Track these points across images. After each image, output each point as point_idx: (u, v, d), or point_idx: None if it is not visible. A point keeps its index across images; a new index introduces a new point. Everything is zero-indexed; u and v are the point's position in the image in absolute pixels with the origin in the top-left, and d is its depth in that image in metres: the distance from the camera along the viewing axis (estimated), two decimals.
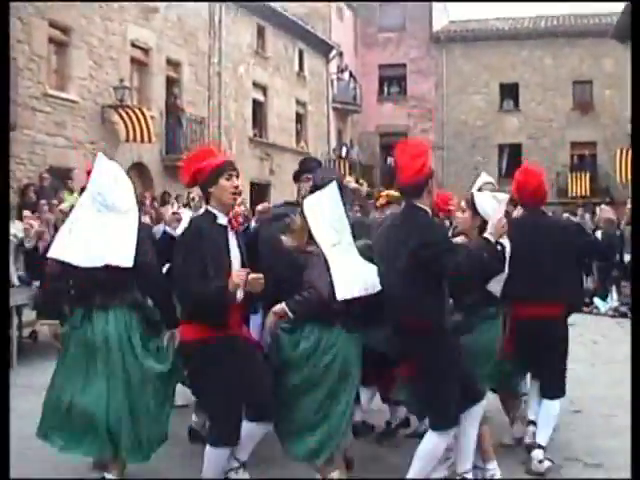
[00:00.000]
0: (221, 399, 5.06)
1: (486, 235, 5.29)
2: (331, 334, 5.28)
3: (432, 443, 5.28)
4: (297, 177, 6.79)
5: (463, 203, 6.04)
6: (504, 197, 5.90)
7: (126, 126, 20.89)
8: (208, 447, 5.19)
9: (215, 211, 5.22)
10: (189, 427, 6.87)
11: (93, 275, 5.50)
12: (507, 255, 5.67)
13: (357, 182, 6.49)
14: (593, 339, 13.39)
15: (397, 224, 5.49)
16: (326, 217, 5.41)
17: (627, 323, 15.28)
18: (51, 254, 5.67)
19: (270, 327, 5.36)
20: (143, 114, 21.08)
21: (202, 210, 5.37)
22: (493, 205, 5.74)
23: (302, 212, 5.47)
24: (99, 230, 5.56)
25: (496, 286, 5.95)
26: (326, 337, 5.27)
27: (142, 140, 21.19)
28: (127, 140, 21.17)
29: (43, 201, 14.68)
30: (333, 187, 5.54)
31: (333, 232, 5.39)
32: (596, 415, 8.02)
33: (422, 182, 5.33)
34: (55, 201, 15.74)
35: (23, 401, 8.40)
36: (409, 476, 5.27)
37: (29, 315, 12.05)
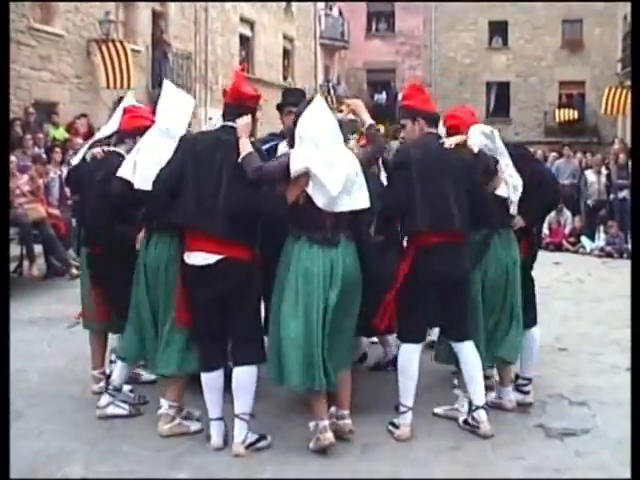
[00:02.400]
0: None
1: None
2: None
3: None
4: (280, 109, 6.76)
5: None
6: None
7: (106, 70, 20.60)
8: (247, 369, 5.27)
9: None
10: None
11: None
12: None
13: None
14: (579, 278, 13.49)
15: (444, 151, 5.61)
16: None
17: (613, 263, 15.44)
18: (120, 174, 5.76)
19: None
20: (125, 53, 20.79)
21: None
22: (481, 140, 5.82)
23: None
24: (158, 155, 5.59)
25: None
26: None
27: (122, 86, 20.94)
28: (107, 86, 20.87)
29: (28, 136, 14.54)
30: (319, 101, 5.47)
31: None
32: (581, 353, 8.10)
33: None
34: (41, 135, 15.62)
35: (11, 335, 8.45)
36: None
37: (14, 250, 12.05)
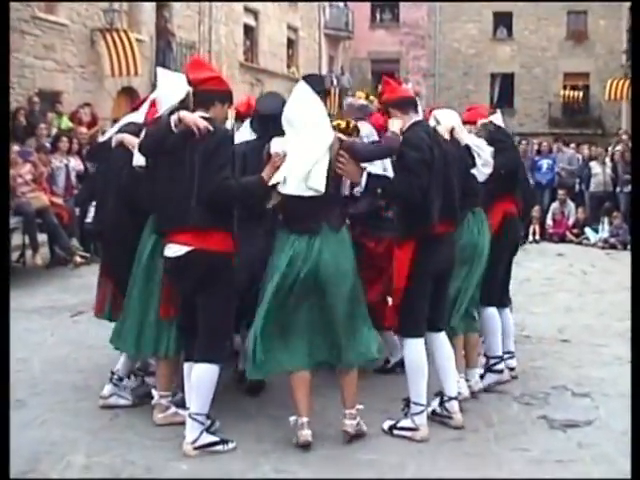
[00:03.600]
0: None
1: None
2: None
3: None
4: None
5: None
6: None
7: (111, 58, 20.66)
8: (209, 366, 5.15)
9: None
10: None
11: None
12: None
13: (367, 98, 6.29)
14: (583, 269, 13.47)
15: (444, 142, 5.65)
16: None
17: (617, 254, 15.43)
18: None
19: None
20: (130, 41, 20.81)
21: None
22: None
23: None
24: None
25: None
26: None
27: (127, 73, 20.97)
28: (112, 74, 20.95)
29: (43, 125, 14.51)
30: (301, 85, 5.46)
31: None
32: (584, 344, 8.10)
33: None
34: (43, 125, 15.61)
35: (14, 324, 8.47)
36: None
37: (17, 239, 12.06)
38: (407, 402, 5.54)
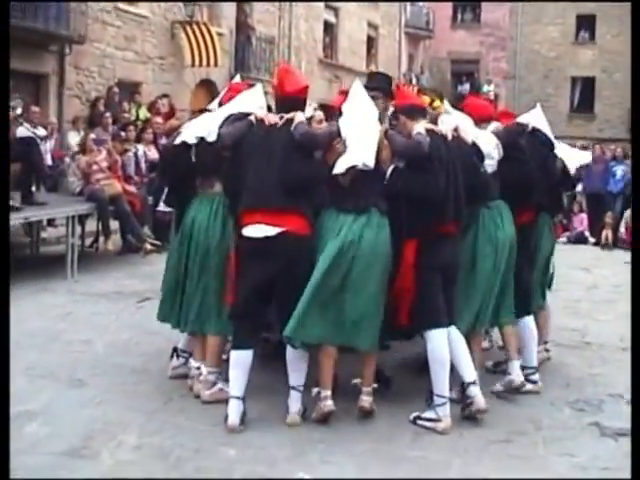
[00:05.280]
0: None
1: None
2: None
3: None
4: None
5: None
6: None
7: (192, 49, 20.95)
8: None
9: None
10: None
11: None
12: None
13: (431, 105, 6.35)
14: None
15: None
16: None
17: None
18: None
19: None
20: (210, 33, 21.07)
21: None
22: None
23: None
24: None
25: None
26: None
27: (208, 63, 21.25)
28: (192, 65, 21.28)
29: (107, 114, 14.80)
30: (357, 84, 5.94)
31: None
32: None
33: None
34: (125, 115, 15.97)
35: (78, 308, 8.72)
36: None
37: (91, 225, 12.33)
38: (430, 394, 5.64)
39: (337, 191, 5.48)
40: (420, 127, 5.60)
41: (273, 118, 5.53)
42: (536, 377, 6.53)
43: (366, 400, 5.58)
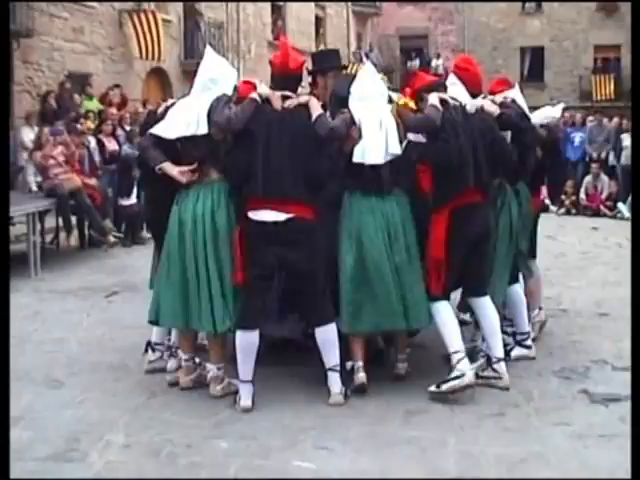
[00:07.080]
0: None
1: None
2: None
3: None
4: (321, 72, 6.35)
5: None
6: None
7: (138, 40, 20.76)
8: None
9: None
10: None
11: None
12: None
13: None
14: (618, 242, 13.30)
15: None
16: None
17: None
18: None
19: None
20: (157, 24, 20.81)
21: None
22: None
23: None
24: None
25: None
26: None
27: (153, 57, 21.06)
28: (140, 57, 21.04)
29: (73, 114, 14.56)
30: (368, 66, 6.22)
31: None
32: (623, 318, 7.97)
33: None
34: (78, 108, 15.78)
35: (47, 306, 8.55)
36: None
37: (51, 222, 12.10)
38: (447, 357, 5.72)
39: (358, 175, 5.58)
40: (433, 97, 5.68)
41: (278, 99, 5.46)
42: (529, 342, 6.55)
43: (401, 367, 5.94)
